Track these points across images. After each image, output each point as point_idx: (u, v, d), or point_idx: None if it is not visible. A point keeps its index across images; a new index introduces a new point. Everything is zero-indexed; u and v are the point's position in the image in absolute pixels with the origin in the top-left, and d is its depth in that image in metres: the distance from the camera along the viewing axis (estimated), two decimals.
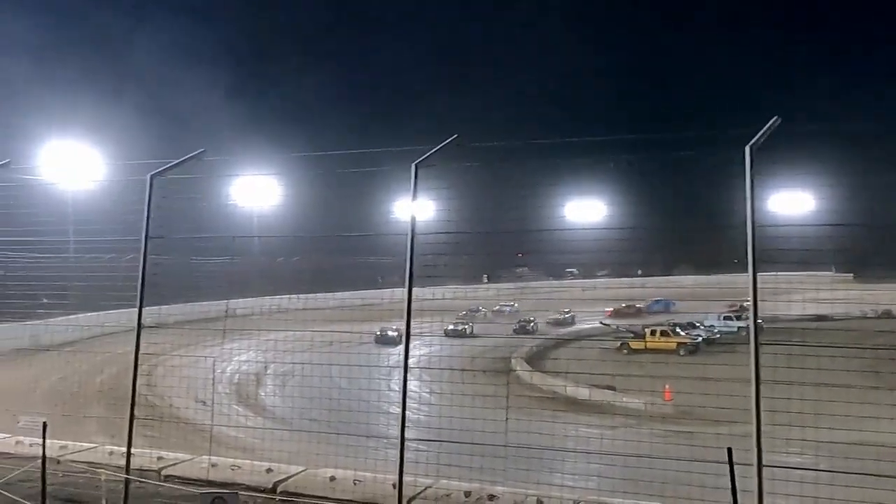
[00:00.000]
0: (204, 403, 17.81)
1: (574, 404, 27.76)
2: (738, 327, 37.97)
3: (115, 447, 11.65)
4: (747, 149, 7.87)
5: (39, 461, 9.06)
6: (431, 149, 9.53)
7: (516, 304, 51.13)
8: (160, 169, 10.47)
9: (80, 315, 19.40)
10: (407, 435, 9.29)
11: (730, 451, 7.10)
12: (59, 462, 11.04)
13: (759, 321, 7.89)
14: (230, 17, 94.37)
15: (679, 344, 40.01)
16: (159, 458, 11.51)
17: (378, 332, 40.59)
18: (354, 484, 10.19)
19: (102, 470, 10.10)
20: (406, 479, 9.28)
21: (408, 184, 9.43)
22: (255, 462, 11.37)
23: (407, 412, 9.45)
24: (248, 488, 10.17)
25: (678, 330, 41.50)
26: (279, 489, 10.34)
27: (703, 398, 9.61)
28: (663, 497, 9.14)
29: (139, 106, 61.38)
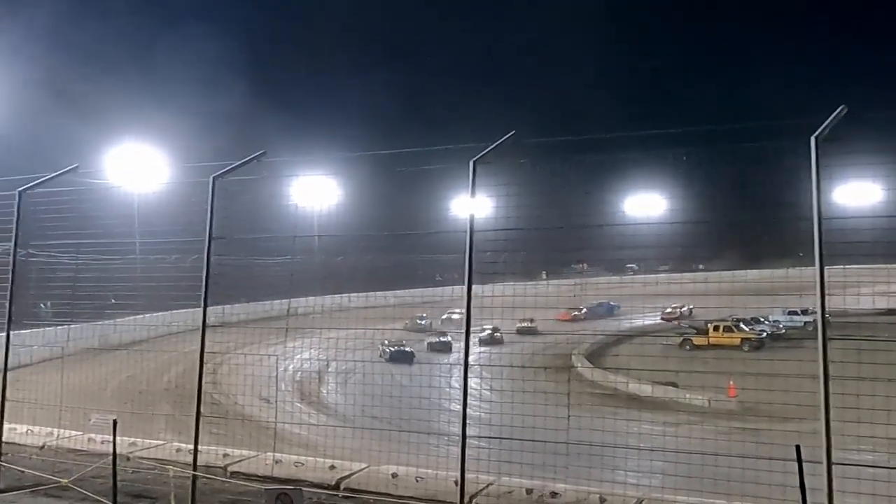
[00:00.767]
0: (267, 401, 18.10)
1: (635, 401, 27.49)
2: (805, 322, 37.14)
3: (183, 444, 11.90)
4: (813, 139, 7.68)
5: (110, 458, 9.28)
6: (488, 146, 9.51)
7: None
8: (222, 171, 10.63)
9: (146, 315, 19.84)
10: (468, 432, 9.30)
11: (798, 448, 6.95)
12: (128, 459, 11.32)
13: (827, 315, 7.70)
14: (289, 17, 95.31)
15: (743, 339, 39.28)
16: (225, 455, 11.72)
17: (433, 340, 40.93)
18: (416, 481, 10.24)
19: (170, 466, 10.32)
20: (468, 476, 9.29)
21: (465, 181, 9.42)
22: (319, 459, 11.50)
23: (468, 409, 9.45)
24: (312, 484, 10.30)
25: (742, 325, 40.75)
26: (342, 486, 10.44)
27: (769, 394, 9.43)
28: (729, 495, 8.98)
29: (202, 109, 62.43)
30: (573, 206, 11.38)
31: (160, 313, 19.30)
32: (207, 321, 10.62)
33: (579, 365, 34.34)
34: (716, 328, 39.45)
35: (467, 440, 9.19)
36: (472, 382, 10.67)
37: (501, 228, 9.75)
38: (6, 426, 11.93)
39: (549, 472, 9.78)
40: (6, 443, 11.89)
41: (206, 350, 10.58)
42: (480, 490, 9.67)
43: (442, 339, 40.97)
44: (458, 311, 40.32)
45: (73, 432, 13.09)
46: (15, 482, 11.14)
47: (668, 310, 45.42)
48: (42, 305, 17.03)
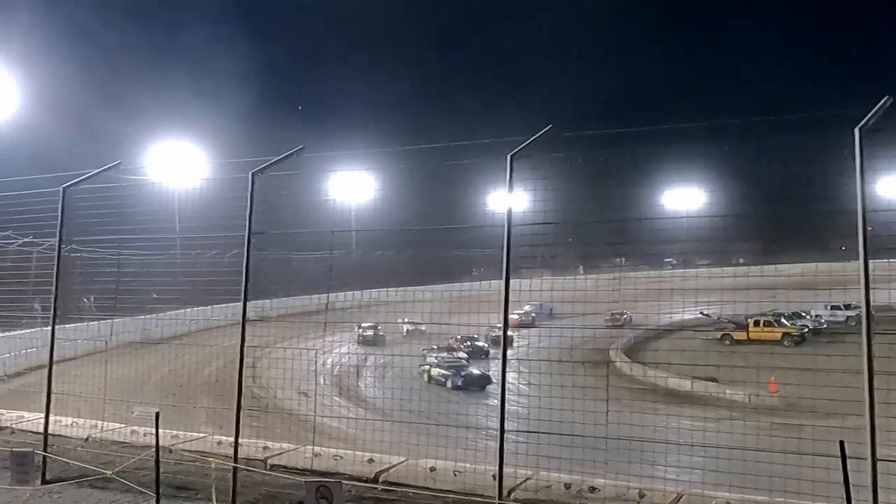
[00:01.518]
0: (306, 395, 18.22)
1: (675, 396, 27.29)
2: (847, 317, 36.62)
3: (223, 437, 12.02)
4: (857, 130, 7.54)
5: (153, 450, 9.41)
6: (525, 140, 9.47)
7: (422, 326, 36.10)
8: (261, 167, 10.71)
9: (187, 309, 20.08)
10: (506, 426, 9.28)
11: (842, 444, 6.84)
12: (171, 451, 11.46)
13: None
14: (324, 14, 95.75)
15: (784, 334, 38.81)
16: (265, 448, 11.83)
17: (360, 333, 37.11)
18: (455, 475, 10.25)
19: (212, 459, 10.44)
20: (506, 470, 9.28)
21: (501, 175, 9.40)
22: (357, 452, 11.56)
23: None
24: (351, 477, 10.35)
25: (783, 320, 40.24)
26: (381, 479, 10.49)
27: (811, 390, 9.29)
28: (771, 491, 8.87)
29: (242, 106, 63.02)
30: (611, 200, 11.30)
31: (200, 308, 19.51)
32: (247, 316, 10.72)
33: (618, 360, 34.13)
34: (756, 323, 39.01)
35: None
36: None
37: (539, 223, 9.70)
38: (52, 418, 12.16)
39: (588, 466, 9.73)
40: (52, 435, 12.11)
41: (245, 344, 10.68)
42: (518, 484, 9.66)
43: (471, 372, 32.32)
44: (410, 322, 37.02)
45: (117, 425, 13.30)
46: (61, 473, 11.36)
47: (612, 315, 38.89)
48: (86, 300, 17.32)
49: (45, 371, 12.22)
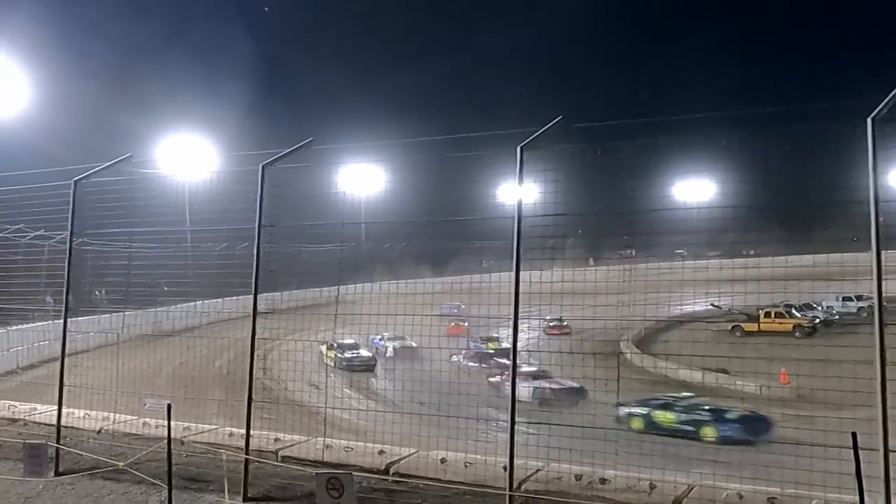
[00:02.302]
0: (317, 387, 18.27)
1: (686, 388, 27.24)
2: (858, 308, 36.49)
3: (235, 429, 12.08)
4: (869, 120, 7.50)
5: (165, 442, 9.45)
6: (536, 131, 9.45)
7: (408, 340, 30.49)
8: (271, 159, 10.72)
9: (198, 302, 20.15)
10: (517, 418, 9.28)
11: (854, 435, 6.81)
12: (182, 443, 11.52)
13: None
14: (334, 6, 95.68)
15: (795, 326, 38.69)
16: (276, 440, 11.87)
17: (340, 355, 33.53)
18: (465, 466, 10.27)
19: (223, 450, 10.48)
20: (517, 462, 9.29)
21: (511, 167, 9.37)
22: (368, 444, 11.58)
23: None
24: (362, 469, 10.37)
25: (794, 311, 40.11)
26: (391, 470, 10.51)
27: (822, 381, 9.26)
28: (783, 483, 8.85)
29: (251, 99, 63.13)
30: (621, 191, 11.26)
31: (211, 300, 19.56)
32: (258, 308, 10.74)
33: (628, 352, 34.11)
34: (767, 314, 38.90)
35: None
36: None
37: (550, 214, 9.67)
38: (65, 410, 12.23)
39: (599, 458, 9.73)
40: (65, 427, 12.19)
41: (256, 336, 10.71)
42: (529, 476, 9.66)
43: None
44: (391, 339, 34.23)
45: (129, 417, 13.36)
46: (74, 465, 11.43)
47: (553, 323, 37.13)
48: (97, 293, 17.40)
49: (58, 364, 12.28)
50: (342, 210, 13.14)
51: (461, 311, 33.68)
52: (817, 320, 39.98)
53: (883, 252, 7.49)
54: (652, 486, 9.22)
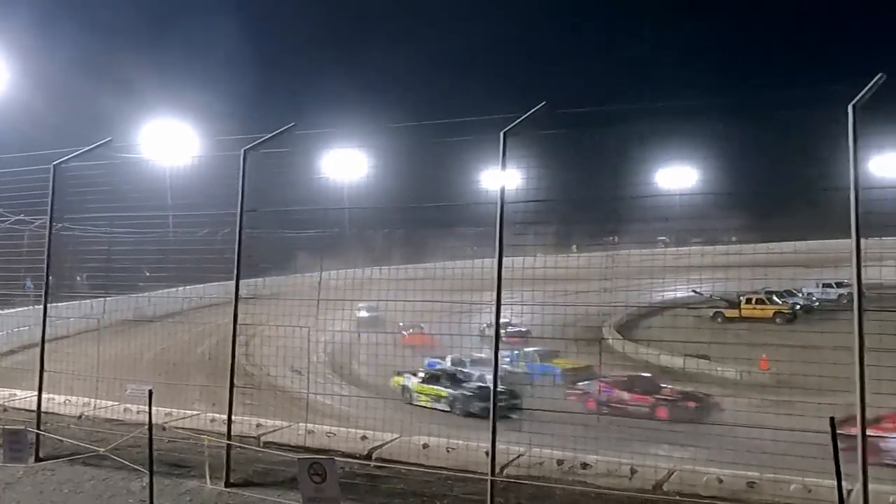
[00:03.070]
0: (299, 373, 18.23)
1: (666, 374, 27.38)
2: (839, 294, 36.75)
3: (217, 414, 12.05)
4: (850, 108, 7.53)
5: (146, 427, 9.42)
6: (519, 117, 9.42)
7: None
8: (253, 143, 10.66)
9: (180, 287, 20.06)
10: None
11: (832, 420, 6.87)
12: (164, 429, 11.49)
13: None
14: None
15: (776, 312, 38.94)
16: (258, 426, 11.87)
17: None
18: (447, 451, 10.31)
19: (205, 436, 10.47)
20: (499, 447, 9.31)
21: (494, 153, 9.35)
22: (350, 430, 11.60)
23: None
24: (344, 454, 10.39)
25: (774, 298, 40.35)
26: (374, 455, 10.54)
27: (802, 367, 9.33)
28: (761, 467, 8.93)
29: (233, 83, 62.70)
30: (604, 178, 11.28)
31: (193, 286, 19.48)
32: (240, 293, 10.70)
33: (610, 338, 34.22)
34: (748, 301, 39.09)
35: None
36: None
37: (532, 200, 9.66)
38: (45, 396, 12.16)
39: (581, 444, 9.79)
40: (45, 412, 12.12)
41: (238, 322, 10.68)
42: (511, 461, 9.71)
43: None
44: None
45: (110, 402, 13.33)
46: (54, 451, 11.38)
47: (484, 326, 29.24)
48: (78, 278, 17.27)
49: (38, 349, 12.20)
50: (325, 195, 13.11)
51: (378, 311, 28.17)
52: (798, 307, 40.22)
53: (862, 239, 7.53)
54: (633, 471, 9.29)
